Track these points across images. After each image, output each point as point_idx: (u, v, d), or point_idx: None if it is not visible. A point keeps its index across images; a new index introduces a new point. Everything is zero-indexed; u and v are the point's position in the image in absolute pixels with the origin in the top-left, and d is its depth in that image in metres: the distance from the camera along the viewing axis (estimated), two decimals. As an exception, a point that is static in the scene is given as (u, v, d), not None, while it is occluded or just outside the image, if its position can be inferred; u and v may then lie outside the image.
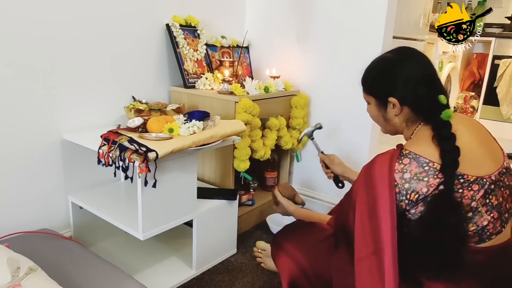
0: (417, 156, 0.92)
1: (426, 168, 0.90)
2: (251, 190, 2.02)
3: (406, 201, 0.91)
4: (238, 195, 1.67)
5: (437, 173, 0.89)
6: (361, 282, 0.94)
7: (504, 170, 0.95)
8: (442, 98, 0.98)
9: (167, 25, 1.80)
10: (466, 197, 0.90)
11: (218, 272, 1.55)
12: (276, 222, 1.86)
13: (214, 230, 1.57)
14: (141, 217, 1.28)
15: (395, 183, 0.91)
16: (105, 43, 1.59)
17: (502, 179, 0.94)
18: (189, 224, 1.50)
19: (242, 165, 1.73)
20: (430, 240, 0.90)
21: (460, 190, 0.90)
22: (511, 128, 3.63)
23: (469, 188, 0.90)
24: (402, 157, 0.93)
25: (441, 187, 0.88)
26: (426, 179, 0.89)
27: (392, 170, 0.92)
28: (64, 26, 1.45)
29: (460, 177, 0.89)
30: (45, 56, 1.41)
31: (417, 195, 0.90)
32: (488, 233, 0.92)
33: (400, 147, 0.98)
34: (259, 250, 1.62)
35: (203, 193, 1.56)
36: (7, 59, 1.32)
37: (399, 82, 1.00)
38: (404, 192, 0.91)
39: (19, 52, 1.35)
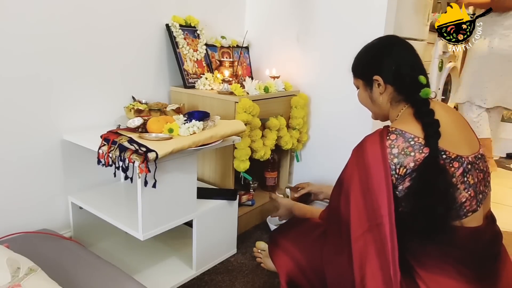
0: (403, 132, 0.98)
1: (412, 142, 0.96)
2: (251, 190, 2.02)
3: (396, 176, 0.96)
4: (238, 195, 1.67)
5: (422, 147, 0.95)
6: (356, 261, 0.97)
7: (479, 156, 1.01)
8: (422, 78, 1.06)
9: (167, 25, 1.80)
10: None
11: (218, 272, 1.55)
12: (277, 222, 1.86)
13: (214, 230, 1.57)
14: (141, 217, 1.28)
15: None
16: (105, 43, 1.59)
17: (477, 162, 1.00)
18: (189, 224, 1.50)
19: (242, 165, 1.73)
20: (420, 207, 0.94)
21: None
22: (511, 128, 3.63)
23: (450, 165, 0.95)
24: (390, 134, 0.99)
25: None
26: (412, 154, 0.95)
27: (385, 147, 0.97)
28: (63, 25, 1.45)
29: (442, 153, 0.95)
30: (44, 57, 1.41)
31: (405, 170, 0.95)
32: (465, 210, 0.97)
33: (386, 126, 1.04)
34: (259, 251, 1.63)
35: (203, 193, 1.56)
36: (7, 60, 1.32)
37: (383, 62, 1.09)
38: (394, 167, 0.96)
39: (19, 52, 1.35)
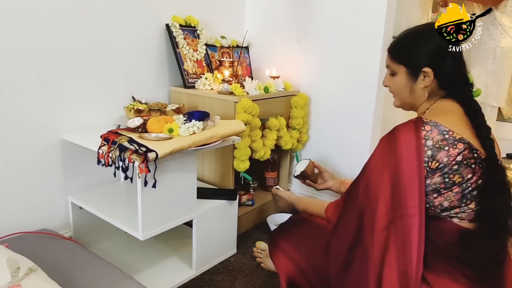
0: (438, 124, 0.94)
1: (446, 136, 0.92)
2: (251, 190, 2.02)
3: (427, 168, 0.93)
4: (238, 195, 1.67)
5: (456, 142, 0.92)
6: (378, 253, 0.95)
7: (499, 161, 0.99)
8: (470, 76, 1.00)
9: (167, 25, 1.80)
10: (477, 174, 0.93)
11: (218, 272, 1.55)
12: (276, 222, 1.86)
13: (214, 230, 1.57)
14: (141, 217, 1.28)
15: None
16: (105, 43, 1.59)
17: None
18: (189, 224, 1.50)
19: (242, 165, 1.73)
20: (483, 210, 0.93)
21: (473, 166, 0.93)
22: (511, 128, 3.63)
23: (480, 166, 0.93)
24: (425, 124, 0.95)
25: (459, 157, 0.91)
26: (446, 148, 0.92)
27: (420, 137, 0.93)
28: (63, 26, 1.45)
29: (474, 151, 0.93)
30: (44, 56, 1.41)
31: (437, 164, 0.92)
32: None
33: (419, 117, 0.99)
34: (259, 251, 1.62)
35: (203, 193, 1.56)
36: (7, 60, 1.32)
37: (435, 52, 0.99)
38: (426, 159, 0.92)
39: (19, 53, 1.35)
